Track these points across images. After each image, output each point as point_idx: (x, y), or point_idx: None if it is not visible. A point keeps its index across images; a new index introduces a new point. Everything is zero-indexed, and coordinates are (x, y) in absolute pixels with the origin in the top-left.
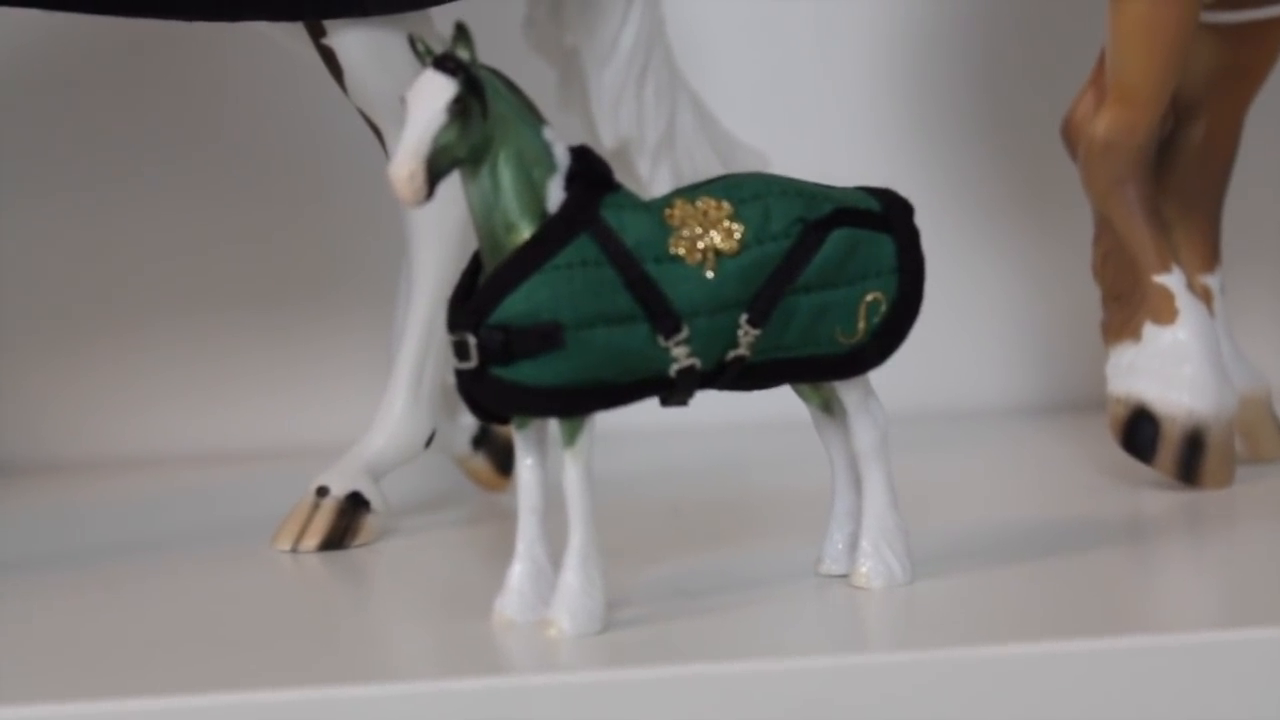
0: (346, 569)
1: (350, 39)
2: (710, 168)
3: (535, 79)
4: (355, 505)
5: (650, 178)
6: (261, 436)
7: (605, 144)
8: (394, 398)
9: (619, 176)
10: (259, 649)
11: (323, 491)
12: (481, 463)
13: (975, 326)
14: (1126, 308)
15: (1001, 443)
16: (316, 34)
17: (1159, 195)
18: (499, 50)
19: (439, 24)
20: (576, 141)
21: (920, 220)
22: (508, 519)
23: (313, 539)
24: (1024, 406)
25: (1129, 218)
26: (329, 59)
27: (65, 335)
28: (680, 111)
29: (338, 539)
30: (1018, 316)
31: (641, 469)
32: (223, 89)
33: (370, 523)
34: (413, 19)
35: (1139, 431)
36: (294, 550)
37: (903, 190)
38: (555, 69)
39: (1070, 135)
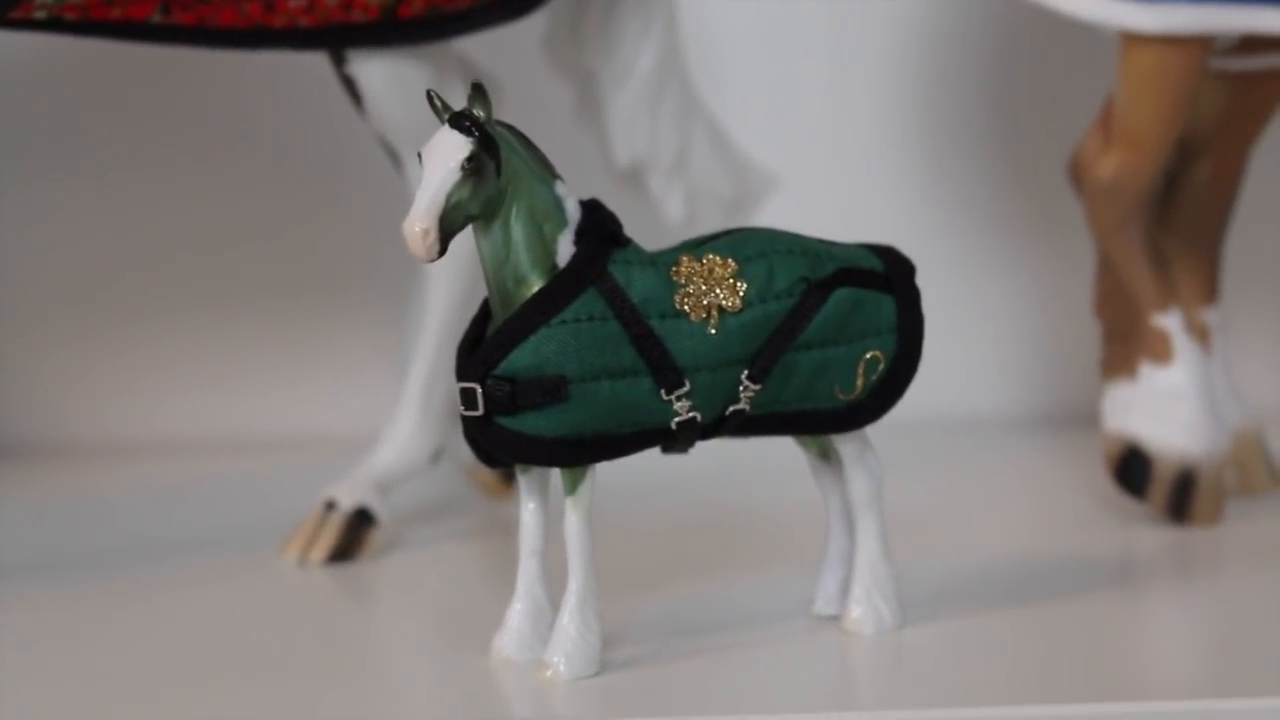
0: (350, 586)
1: (371, 68)
2: (722, 190)
3: (552, 99)
4: (362, 519)
5: (663, 198)
6: (277, 423)
7: (619, 163)
8: (404, 414)
9: (632, 197)
10: (262, 676)
11: (331, 505)
12: (488, 472)
13: (977, 338)
14: (1125, 346)
15: (998, 459)
16: (338, 62)
17: (1161, 231)
18: (517, 70)
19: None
20: (590, 162)
21: (927, 231)
22: (510, 532)
23: (319, 552)
24: (1023, 418)
25: (1130, 259)
26: (349, 86)
27: (91, 320)
28: (695, 133)
29: (344, 552)
30: (1019, 328)
31: (641, 476)
32: (246, 90)
33: (376, 537)
34: (433, 48)
35: (1131, 469)
36: (301, 563)
37: (910, 201)
38: (572, 89)
39: (1076, 174)
